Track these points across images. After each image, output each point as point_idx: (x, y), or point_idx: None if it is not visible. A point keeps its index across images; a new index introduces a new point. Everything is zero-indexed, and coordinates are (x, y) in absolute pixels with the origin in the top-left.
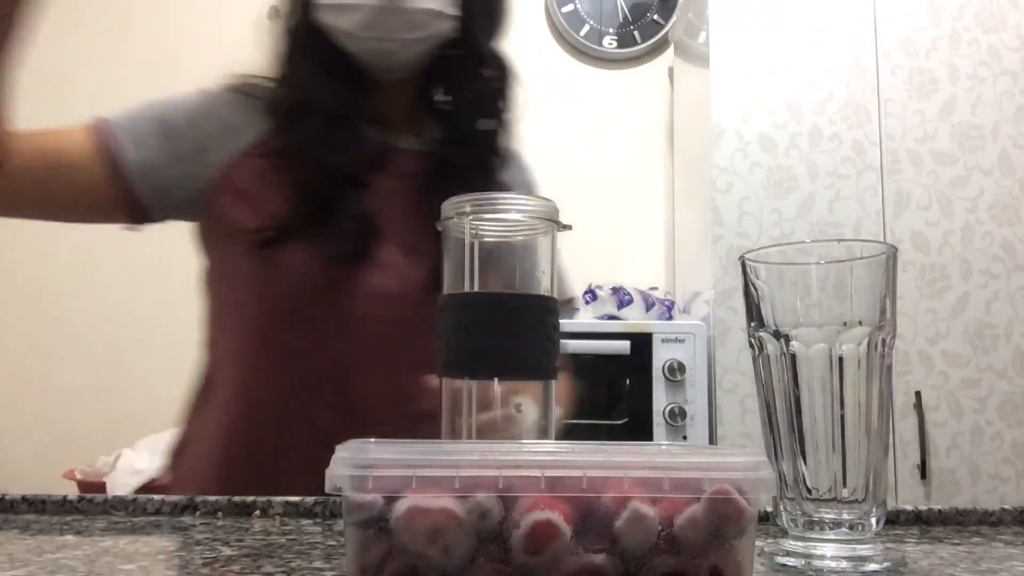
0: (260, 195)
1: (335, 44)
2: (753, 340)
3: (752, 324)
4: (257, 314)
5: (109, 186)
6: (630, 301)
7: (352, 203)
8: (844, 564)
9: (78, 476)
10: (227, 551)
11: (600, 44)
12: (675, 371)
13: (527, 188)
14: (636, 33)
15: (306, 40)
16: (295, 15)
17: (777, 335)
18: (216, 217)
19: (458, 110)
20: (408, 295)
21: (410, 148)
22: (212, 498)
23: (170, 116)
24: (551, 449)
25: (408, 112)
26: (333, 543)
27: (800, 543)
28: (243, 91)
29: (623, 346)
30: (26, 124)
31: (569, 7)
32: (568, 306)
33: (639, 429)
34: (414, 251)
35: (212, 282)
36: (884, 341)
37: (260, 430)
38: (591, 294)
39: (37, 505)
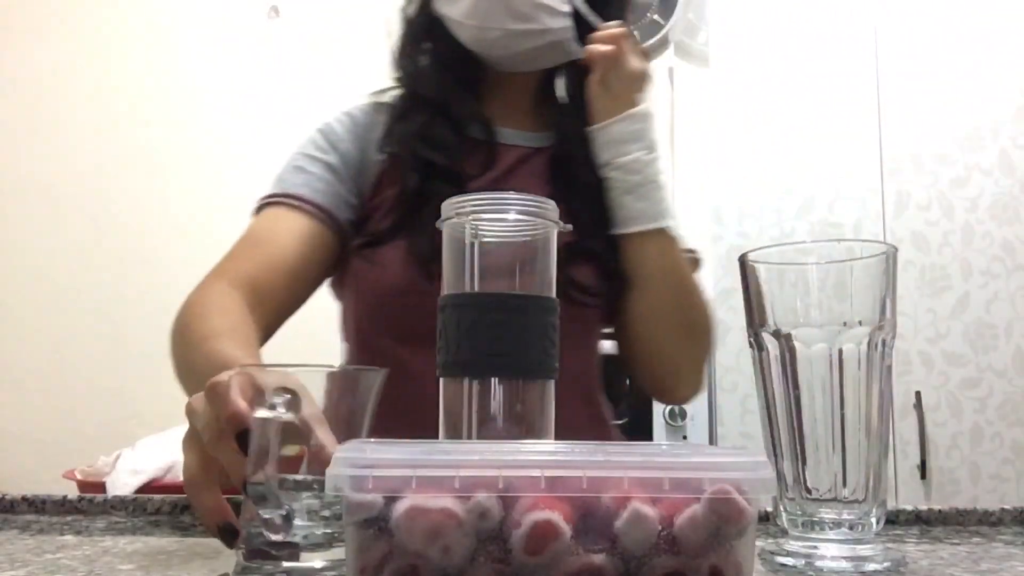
0: (377, 195)
1: (450, 37)
2: (753, 340)
3: (752, 324)
4: (357, 316)
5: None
6: None
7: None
8: (844, 564)
9: (78, 476)
10: (227, 551)
11: None
12: None
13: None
14: (636, 33)
15: (421, 32)
16: (414, 5)
17: (777, 335)
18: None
19: (577, 107)
20: None
21: (524, 144)
22: None
23: (335, 163)
24: (551, 449)
25: (530, 108)
26: None
27: (800, 543)
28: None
29: None
30: (27, 123)
31: None
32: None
33: (639, 429)
34: None
35: (337, 285)
36: (884, 341)
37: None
38: None
39: (37, 505)
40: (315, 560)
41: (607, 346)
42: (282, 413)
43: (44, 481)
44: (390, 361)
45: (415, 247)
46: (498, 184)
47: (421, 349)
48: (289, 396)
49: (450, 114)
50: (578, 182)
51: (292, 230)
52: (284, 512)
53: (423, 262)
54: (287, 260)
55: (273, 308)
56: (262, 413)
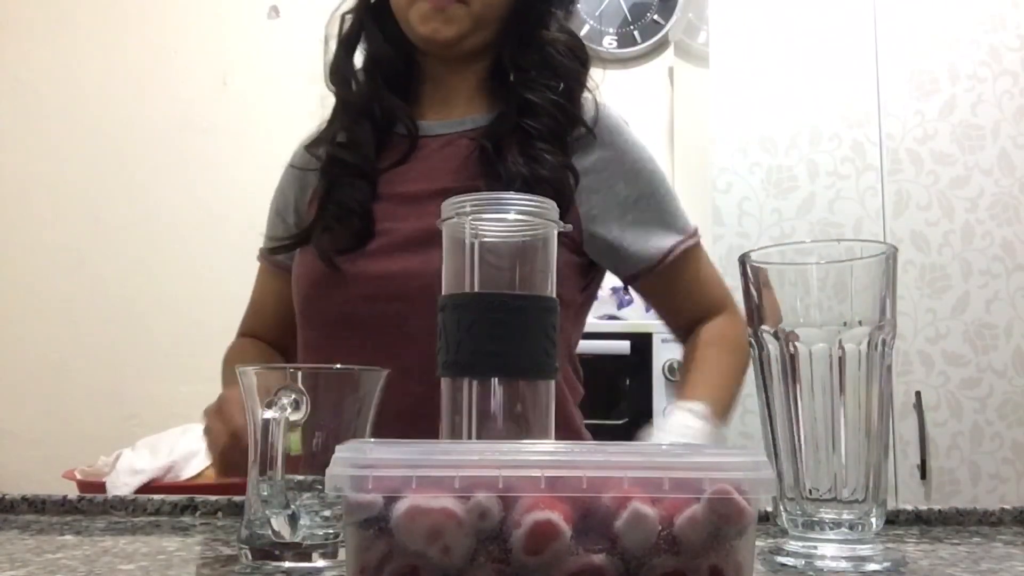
0: (311, 204)
1: (381, 39)
2: (753, 340)
3: (752, 324)
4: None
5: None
6: (630, 301)
7: (353, 199)
8: (844, 564)
9: (78, 476)
10: (227, 551)
11: (600, 44)
12: (675, 371)
13: (627, 168)
14: (636, 33)
15: (354, 39)
16: (351, 14)
17: (777, 335)
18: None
19: (525, 80)
20: (415, 284)
21: (447, 132)
22: (212, 498)
23: (280, 206)
24: (551, 449)
25: (475, 95)
26: None
27: (800, 543)
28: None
29: (623, 346)
30: (27, 123)
31: None
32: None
33: (639, 429)
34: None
35: None
36: (884, 341)
37: None
38: None
39: (37, 505)
40: (315, 560)
41: (600, 346)
42: (288, 413)
43: (44, 481)
44: (312, 350)
45: (318, 241)
46: (406, 171)
47: (334, 336)
48: (295, 396)
49: (374, 115)
50: (502, 165)
51: (265, 284)
52: (290, 512)
53: (323, 253)
54: (267, 308)
55: (275, 339)
56: (269, 414)
